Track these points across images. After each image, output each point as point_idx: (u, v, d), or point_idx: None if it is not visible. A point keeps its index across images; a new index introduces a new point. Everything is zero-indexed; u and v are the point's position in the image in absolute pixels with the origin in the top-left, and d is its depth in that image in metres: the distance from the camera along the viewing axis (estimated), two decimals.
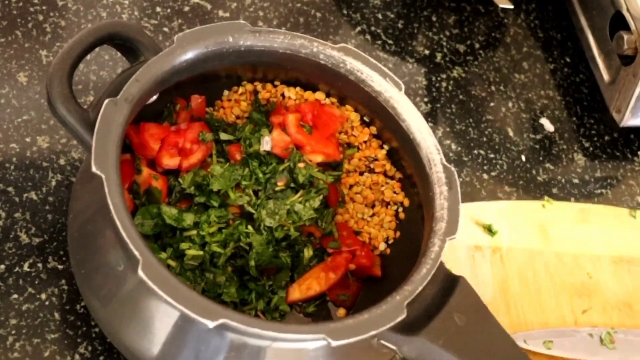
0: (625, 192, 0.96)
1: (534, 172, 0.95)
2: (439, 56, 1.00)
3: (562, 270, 0.87)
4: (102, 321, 0.71)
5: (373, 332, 0.65)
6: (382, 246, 0.80)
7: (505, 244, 0.87)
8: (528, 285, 0.86)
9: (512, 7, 0.96)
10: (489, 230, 0.87)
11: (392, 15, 1.02)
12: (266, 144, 0.79)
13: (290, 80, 0.81)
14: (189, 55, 0.74)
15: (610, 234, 0.91)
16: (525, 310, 0.84)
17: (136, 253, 0.64)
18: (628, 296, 0.87)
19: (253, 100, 0.82)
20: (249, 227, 0.76)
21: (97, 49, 0.78)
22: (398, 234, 0.80)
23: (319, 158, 0.80)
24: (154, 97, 0.76)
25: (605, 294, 0.87)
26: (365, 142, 0.82)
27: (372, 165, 0.82)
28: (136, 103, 0.71)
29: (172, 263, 0.74)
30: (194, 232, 0.75)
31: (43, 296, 0.76)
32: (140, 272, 0.64)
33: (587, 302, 0.86)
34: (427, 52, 1.00)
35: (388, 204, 0.81)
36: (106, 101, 0.69)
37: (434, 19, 1.03)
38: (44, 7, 0.92)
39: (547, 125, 0.98)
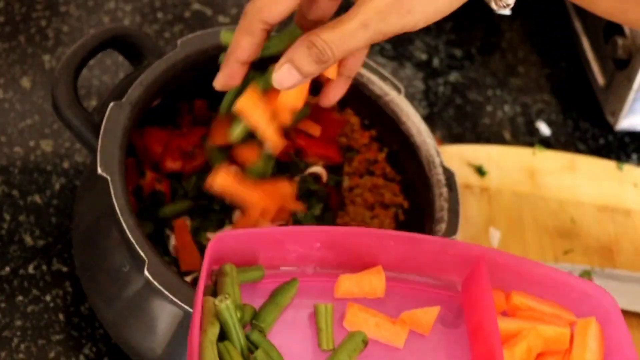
0: None
1: None
2: (436, 61, 1.01)
3: (547, 214, 0.90)
4: (107, 322, 0.72)
5: None
6: None
7: (493, 185, 0.90)
8: (513, 224, 0.88)
9: (509, 12, 0.97)
10: (479, 171, 0.90)
11: None
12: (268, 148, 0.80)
13: None
14: (192, 59, 0.75)
15: (597, 183, 0.93)
16: (509, 247, 0.87)
17: (142, 254, 0.65)
18: (609, 242, 0.90)
19: None
20: None
21: (99, 54, 0.78)
22: None
23: (319, 162, 0.81)
24: (158, 101, 0.77)
25: (587, 239, 0.89)
26: (365, 145, 0.83)
27: (372, 168, 0.83)
28: (140, 106, 0.72)
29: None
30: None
31: (48, 298, 0.77)
32: (147, 273, 0.64)
33: (569, 244, 0.88)
34: (424, 57, 1.01)
35: (388, 206, 0.82)
36: (111, 104, 0.70)
37: (430, 24, 1.04)
38: (46, 13, 0.92)
39: (543, 128, 1.00)
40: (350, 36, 0.60)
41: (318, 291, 0.62)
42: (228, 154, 0.75)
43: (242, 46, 0.64)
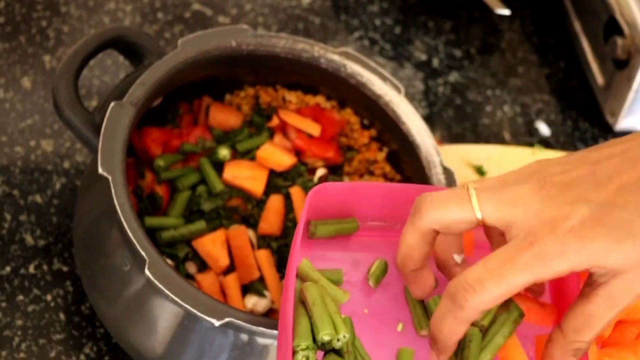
0: None
1: None
2: (435, 61, 1.02)
3: None
4: (108, 321, 0.72)
5: None
6: None
7: None
8: None
9: (508, 13, 0.97)
10: (479, 171, 0.90)
11: (390, 21, 1.03)
12: None
13: (291, 83, 0.83)
14: (192, 59, 0.75)
15: None
16: None
17: (143, 253, 0.65)
18: None
19: (254, 104, 0.83)
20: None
21: (100, 55, 0.79)
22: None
23: (319, 162, 0.81)
24: (158, 101, 0.77)
25: None
26: (365, 144, 0.83)
27: (371, 168, 0.83)
28: (141, 106, 0.72)
29: None
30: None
31: (48, 297, 0.77)
32: (147, 272, 0.65)
33: None
34: (424, 57, 1.01)
35: None
36: (112, 104, 0.70)
37: (430, 24, 1.04)
38: (47, 13, 0.93)
39: (543, 129, 1.00)
40: (605, 328, 0.56)
41: None
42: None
43: (456, 334, 0.56)
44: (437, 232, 0.57)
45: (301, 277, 0.61)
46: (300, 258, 0.61)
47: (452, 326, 0.55)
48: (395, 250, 0.60)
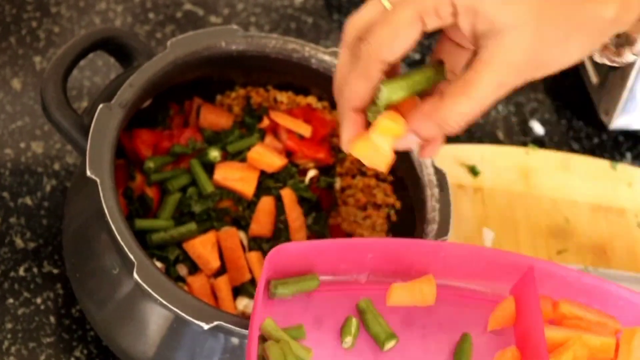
0: None
1: None
2: (429, 60, 1.01)
3: (540, 213, 0.90)
4: (98, 324, 0.71)
5: None
6: None
7: (487, 185, 0.90)
8: (506, 224, 0.88)
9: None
10: (473, 171, 0.90)
11: None
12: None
13: (282, 84, 0.82)
14: (182, 60, 0.75)
15: (591, 182, 0.93)
16: (502, 247, 0.86)
17: (131, 256, 0.65)
18: (603, 241, 0.89)
19: (245, 104, 0.83)
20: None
21: (90, 55, 0.78)
22: (390, 236, 0.81)
23: (311, 164, 0.81)
24: (148, 102, 0.77)
25: (581, 238, 0.89)
26: None
27: (364, 169, 0.82)
28: (130, 108, 0.71)
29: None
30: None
31: (38, 300, 0.77)
32: (136, 275, 0.64)
33: (563, 243, 0.88)
34: (417, 56, 1.01)
35: (380, 206, 0.81)
36: (100, 106, 0.70)
37: None
38: (37, 14, 0.92)
39: (537, 128, 0.99)
40: (485, 100, 0.54)
41: (372, 299, 0.65)
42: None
43: (359, 93, 0.57)
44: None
45: (265, 336, 0.61)
46: (262, 318, 0.61)
47: (354, 84, 0.56)
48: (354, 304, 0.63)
